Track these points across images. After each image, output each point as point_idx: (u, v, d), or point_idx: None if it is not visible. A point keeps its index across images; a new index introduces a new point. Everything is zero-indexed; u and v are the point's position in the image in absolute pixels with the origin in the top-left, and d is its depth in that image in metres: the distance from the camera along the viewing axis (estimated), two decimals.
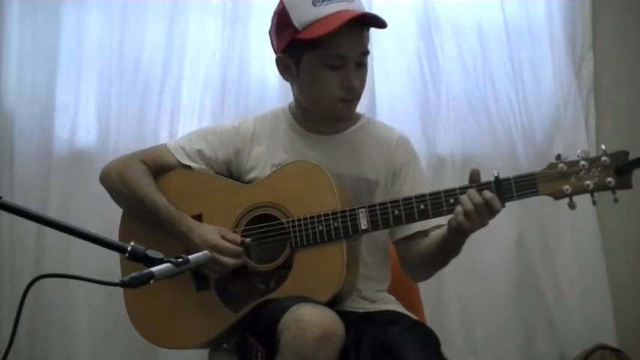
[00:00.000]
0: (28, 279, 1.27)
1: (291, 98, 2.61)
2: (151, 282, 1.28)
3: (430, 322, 2.15)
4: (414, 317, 1.90)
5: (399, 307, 1.93)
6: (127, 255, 1.33)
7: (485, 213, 1.63)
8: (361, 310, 1.85)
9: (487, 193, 1.63)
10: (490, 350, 2.73)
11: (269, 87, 2.66)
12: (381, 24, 1.79)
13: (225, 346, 1.96)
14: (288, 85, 2.60)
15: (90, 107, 2.58)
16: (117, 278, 1.28)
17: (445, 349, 1.77)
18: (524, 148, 2.79)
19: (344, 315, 1.68)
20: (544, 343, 2.76)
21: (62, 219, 1.35)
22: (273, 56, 2.62)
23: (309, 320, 1.55)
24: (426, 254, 1.82)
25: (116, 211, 2.23)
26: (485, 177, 1.68)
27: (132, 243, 1.34)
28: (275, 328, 1.59)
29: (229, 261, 1.77)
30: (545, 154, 2.80)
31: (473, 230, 1.65)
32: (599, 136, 2.86)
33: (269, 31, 1.89)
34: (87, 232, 1.34)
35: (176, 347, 1.98)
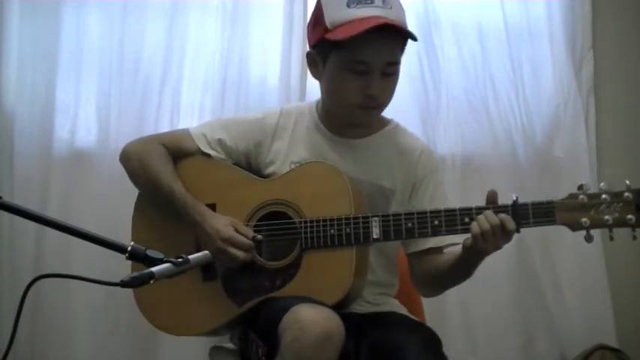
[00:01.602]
0: (28, 279, 1.27)
1: (292, 99, 2.63)
2: (151, 282, 1.28)
3: (430, 322, 2.15)
4: (416, 319, 1.89)
5: (400, 310, 1.92)
6: (126, 255, 1.33)
7: (499, 234, 1.62)
8: (363, 312, 1.85)
9: (501, 214, 1.63)
10: (490, 350, 2.73)
11: (269, 87, 2.67)
12: (411, 36, 1.77)
13: (229, 345, 1.96)
14: (288, 85, 2.64)
15: (90, 107, 2.58)
16: (117, 278, 1.28)
17: (445, 348, 1.77)
18: (524, 148, 2.79)
19: (345, 317, 1.68)
20: (544, 343, 2.76)
21: (62, 219, 1.35)
22: (273, 56, 2.66)
23: (309, 320, 1.55)
24: (438, 272, 1.81)
25: (116, 211, 2.24)
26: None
27: (132, 243, 1.35)
28: (276, 328, 1.59)
29: (240, 254, 1.77)
30: (545, 154, 2.80)
31: (486, 251, 1.66)
32: (599, 136, 2.86)
33: (307, 25, 1.89)
34: (87, 232, 1.34)
35: (179, 334, 1.98)
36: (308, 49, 1.88)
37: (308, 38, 1.88)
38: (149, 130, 2.57)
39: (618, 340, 2.74)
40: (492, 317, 2.74)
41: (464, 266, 1.75)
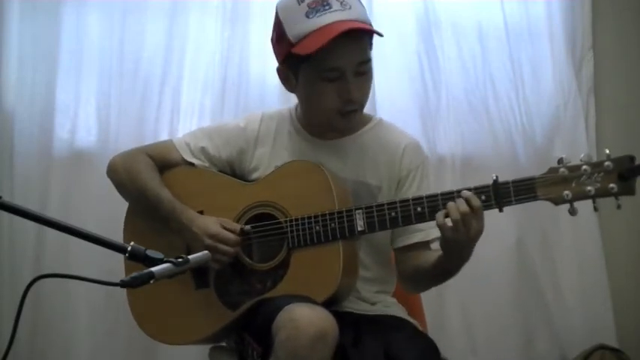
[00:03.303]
0: (28, 279, 1.27)
1: (292, 98, 2.62)
2: (151, 282, 1.28)
3: (430, 322, 2.15)
4: (416, 324, 1.89)
5: (400, 312, 1.92)
6: (126, 255, 1.33)
7: (469, 219, 1.59)
8: (361, 312, 1.84)
9: (464, 192, 1.61)
10: (490, 350, 2.73)
11: (269, 87, 2.66)
12: (375, 32, 1.74)
13: (224, 344, 1.96)
14: None
15: (90, 107, 2.58)
16: (117, 278, 1.28)
17: (445, 348, 1.77)
18: (524, 148, 2.79)
19: (343, 316, 1.67)
20: (544, 343, 2.76)
21: (62, 219, 1.35)
22: (274, 56, 2.65)
23: (303, 319, 1.54)
24: (422, 267, 1.81)
25: (116, 211, 2.23)
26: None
27: (132, 243, 1.35)
28: (270, 328, 1.59)
29: (229, 249, 1.77)
30: (545, 154, 2.80)
31: (456, 240, 1.61)
32: (599, 136, 2.86)
33: (270, 39, 1.86)
34: (87, 232, 1.34)
35: (175, 343, 1.98)
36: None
37: (274, 53, 1.85)
38: (149, 130, 2.58)
39: (618, 340, 2.74)
40: (492, 317, 2.74)
41: (443, 263, 1.72)
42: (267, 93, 2.67)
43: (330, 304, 1.70)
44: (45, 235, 2.46)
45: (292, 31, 1.74)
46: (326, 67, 1.73)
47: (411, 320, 1.89)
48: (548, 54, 2.85)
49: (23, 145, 2.51)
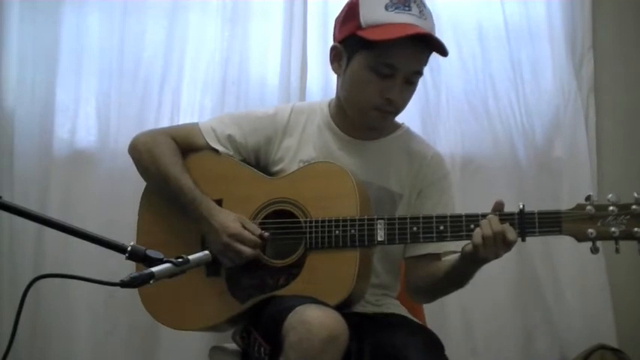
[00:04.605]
0: (28, 279, 1.27)
1: (291, 99, 2.63)
2: (151, 282, 1.28)
3: (430, 322, 2.15)
4: (418, 321, 1.89)
5: (402, 311, 1.92)
6: (126, 255, 1.33)
7: (501, 243, 1.62)
8: (364, 312, 1.84)
9: (505, 225, 1.62)
10: (490, 350, 2.73)
11: (269, 87, 2.67)
12: (442, 51, 1.77)
13: (229, 345, 1.96)
14: (288, 85, 2.64)
15: (90, 107, 2.58)
16: (116, 278, 1.28)
17: (445, 349, 1.77)
18: (524, 148, 2.79)
19: (346, 316, 1.68)
20: (544, 343, 2.76)
21: (62, 219, 1.35)
22: (273, 56, 2.66)
23: (315, 321, 1.54)
24: (433, 278, 1.81)
25: (116, 211, 2.24)
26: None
27: (132, 243, 1.35)
28: (280, 327, 1.59)
29: (246, 251, 1.77)
30: (545, 154, 2.80)
31: (485, 259, 1.64)
32: (599, 136, 2.86)
33: (336, 18, 1.88)
34: (87, 232, 1.34)
35: (180, 328, 1.98)
36: (333, 42, 1.87)
37: (335, 32, 1.87)
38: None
39: (618, 340, 2.74)
40: (492, 317, 2.74)
41: (459, 274, 1.74)
42: (267, 93, 2.67)
43: (340, 308, 1.70)
44: (45, 235, 2.46)
45: (365, 16, 1.76)
46: (384, 61, 1.75)
47: (413, 318, 1.90)
48: (548, 54, 2.84)
49: (23, 145, 2.51)
